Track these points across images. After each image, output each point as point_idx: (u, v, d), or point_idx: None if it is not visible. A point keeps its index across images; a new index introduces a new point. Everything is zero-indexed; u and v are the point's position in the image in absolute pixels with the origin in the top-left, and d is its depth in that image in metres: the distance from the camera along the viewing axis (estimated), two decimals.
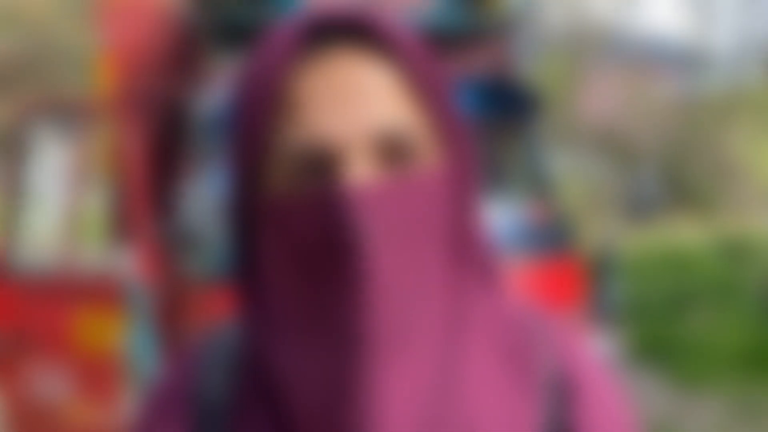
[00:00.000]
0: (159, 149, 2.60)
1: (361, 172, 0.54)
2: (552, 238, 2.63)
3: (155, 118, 2.62)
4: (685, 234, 8.14)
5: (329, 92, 0.54)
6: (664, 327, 5.51)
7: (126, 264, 2.45)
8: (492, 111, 2.61)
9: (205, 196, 2.41)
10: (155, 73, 2.65)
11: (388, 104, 0.54)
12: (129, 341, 2.43)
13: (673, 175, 9.30)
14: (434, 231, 0.55)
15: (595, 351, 0.60)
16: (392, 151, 0.55)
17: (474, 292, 0.57)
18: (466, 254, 0.57)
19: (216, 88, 2.50)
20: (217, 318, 2.37)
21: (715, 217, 9.13)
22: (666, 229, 8.22)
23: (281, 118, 0.55)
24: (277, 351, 0.55)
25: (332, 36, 0.55)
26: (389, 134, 0.54)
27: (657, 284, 6.48)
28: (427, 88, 0.56)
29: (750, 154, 10.23)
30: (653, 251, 7.45)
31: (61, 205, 2.99)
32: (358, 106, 0.54)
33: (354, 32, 0.55)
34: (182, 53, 2.68)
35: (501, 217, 2.44)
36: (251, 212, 0.56)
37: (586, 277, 2.70)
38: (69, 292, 2.79)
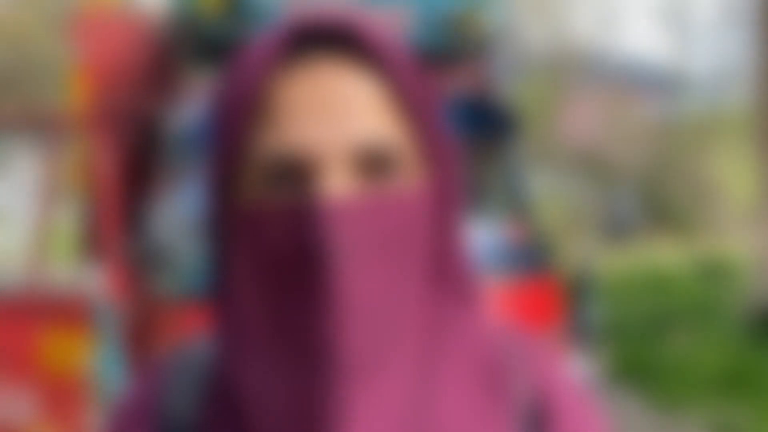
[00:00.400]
0: (131, 166, 2.56)
1: (337, 184, 0.52)
2: (530, 258, 2.62)
3: (129, 135, 2.59)
4: (663, 255, 8.21)
5: (309, 101, 0.52)
6: (643, 348, 5.52)
7: (95, 282, 2.40)
8: (471, 131, 2.60)
9: (176, 214, 2.37)
10: (130, 89, 2.62)
11: (370, 116, 0.52)
12: (96, 362, 2.37)
13: (652, 196, 9.40)
14: (413, 249, 0.53)
15: (574, 372, 0.58)
16: (372, 164, 0.53)
17: (452, 313, 0.55)
18: (446, 274, 0.55)
19: (190, 105, 2.47)
20: (187, 338, 2.33)
21: (693, 238, 9.23)
22: (644, 250, 8.29)
23: (259, 127, 0.53)
24: (245, 368, 0.54)
25: (316, 44, 0.53)
26: (369, 147, 0.52)
27: (635, 305, 6.51)
28: (412, 103, 0.54)
29: (728, 176, 10.37)
30: (632, 272, 7.49)
31: (30, 220, 2.93)
32: (339, 117, 0.52)
33: (339, 41, 0.53)
34: (157, 70, 2.66)
35: (480, 237, 2.43)
36: (225, 223, 0.54)
37: (564, 298, 2.69)
38: (36, 310, 2.73)
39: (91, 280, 2.43)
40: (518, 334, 0.58)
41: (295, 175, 0.52)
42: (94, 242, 2.64)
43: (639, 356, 5.35)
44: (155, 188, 2.52)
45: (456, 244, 0.55)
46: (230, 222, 0.54)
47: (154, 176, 2.54)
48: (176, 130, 2.46)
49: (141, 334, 2.36)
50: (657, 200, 9.43)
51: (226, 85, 0.54)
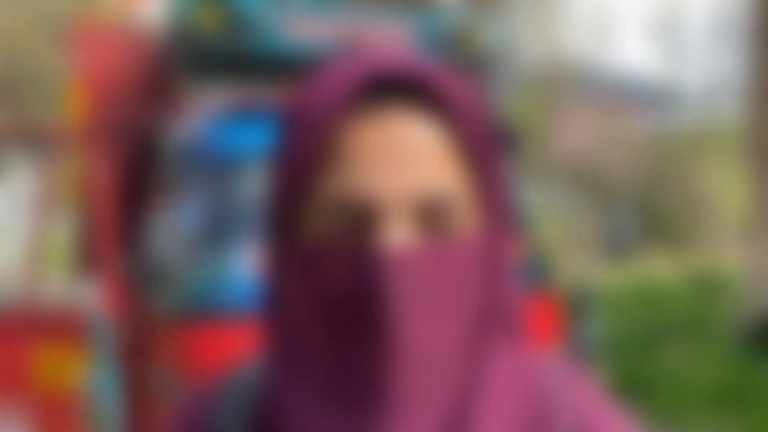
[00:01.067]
0: (129, 180, 2.55)
1: (398, 233, 0.53)
2: (529, 275, 2.61)
3: (126, 148, 2.57)
4: (656, 269, 8.22)
5: (377, 148, 0.53)
6: (637, 362, 5.52)
7: (90, 298, 2.37)
8: None
9: (175, 230, 2.35)
10: (128, 102, 2.61)
11: (434, 166, 0.54)
12: (91, 379, 2.34)
13: (645, 210, 9.43)
14: (465, 297, 0.54)
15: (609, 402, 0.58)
16: (432, 214, 0.54)
17: (497, 355, 0.56)
18: (494, 318, 0.56)
19: (190, 119, 2.46)
20: (186, 357, 2.29)
21: (686, 252, 9.25)
22: (638, 264, 8.30)
23: (326, 168, 0.54)
24: (294, 401, 0.55)
25: (386, 89, 0.54)
26: (431, 198, 0.54)
27: (629, 320, 6.51)
28: (476, 152, 0.55)
29: (720, 190, 10.42)
30: (625, 287, 7.50)
31: (25, 234, 2.90)
32: (404, 166, 0.53)
33: (408, 87, 0.54)
34: (155, 83, 2.65)
35: None
36: (284, 255, 0.55)
37: (562, 314, 2.68)
38: (30, 325, 2.69)
39: (86, 296, 2.41)
40: (560, 366, 0.59)
41: (358, 220, 0.54)
42: (89, 257, 2.61)
43: (633, 371, 5.34)
44: (153, 203, 2.51)
45: (506, 290, 0.56)
46: (290, 254, 0.55)
47: (151, 191, 2.52)
48: (175, 145, 2.44)
49: (137, 351, 2.33)
50: (650, 214, 9.46)
51: (294, 119, 0.55)
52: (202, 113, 2.43)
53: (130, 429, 2.30)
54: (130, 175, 2.55)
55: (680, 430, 4.43)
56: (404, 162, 0.53)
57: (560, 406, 0.57)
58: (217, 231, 2.22)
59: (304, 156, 0.54)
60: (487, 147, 0.55)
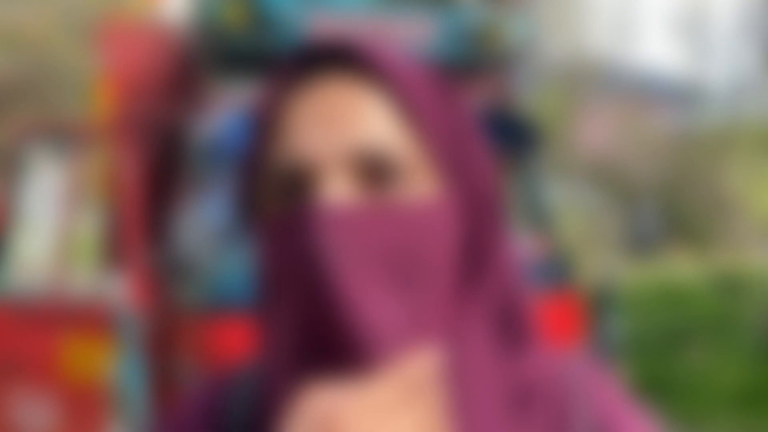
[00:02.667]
0: (155, 175, 2.57)
1: (336, 190, 0.51)
2: (552, 273, 2.60)
3: (152, 144, 2.60)
4: (681, 269, 8.12)
5: (313, 114, 0.53)
6: (661, 363, 5.46)
7: (117, 291, 2.41)
8: (492, 144, 2.59)
9: (200, 224, 2.38)
10: (153, 99, 2.63)
11: (372, 124, 0.52)
12: (117, 370, 2.37)
13: (670, 209, 9.32)
14: (428, 261, 0.52)
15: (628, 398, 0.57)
16: (374, 173, 0.52)
17: (474, 338, 0.53)
18: (482, 290, 0.53)
19: (215, 115, 2.48)
20: (211, 350, 2.31)
21: (710, 253, 9.13)
22: (662, 263, 8.20)
23: (273, 140, 0.54)
24: (273, 385, 0.53)
25: (328, 64, 0.54)
26: (371, 154, 0.52)
27: (653, 320, 6.44)
28: (424, 118, 0.53)
29: (746, 189, 10.26)
30: (649, 286, 7.42)
31: (53, 228, 2.95)
32: (339, 124, 0.52)
33: (349, 61, 0.54)
34: (181, 79, 2.67)
35: None
36: (255, 237, 0.55)
37: (585, 313, 2.66)
38: (58, 318, 2.74)
39: (113, 288, 2.44)
40: (581, 364, 0.57)
41: (298, 183, 0.52)
42: (116, 250, 2.64)
43: (656, 371, 5.29)
44: (178, 198, 2.53)
45: (497, 258, 0.54)
46: (257, 233, 0.54)
47: (177, 186, 2.54)
48: (201, 141, 2.47)
49: (163, 344, 2.36)
50: (674, 214, 9.35)
51: (254, 109, 0.56)
52: (226, 109, 2.45)
53: (154, 419, 2.33)
54: (156, 171, 2.58)
55: (702, 431, 4.38)
56: (339, 121, 0.52)
57: (580, 404, 0.55)
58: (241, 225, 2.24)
59: (256, 136, 0.54)
60: (438, 113, 0.53)
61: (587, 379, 0.56)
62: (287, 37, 2.45)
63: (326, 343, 0.50)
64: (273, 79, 0.54)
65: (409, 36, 2.51)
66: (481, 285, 0.53)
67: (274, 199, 0.53)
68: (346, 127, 0.52)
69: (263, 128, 0.54)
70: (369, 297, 0.50)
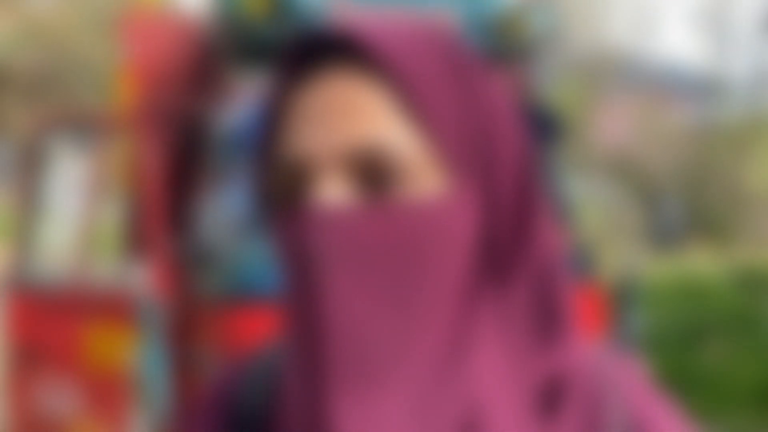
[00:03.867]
0: (177, 165, 2.58)
1: (331, 192, 0.49)
2: (573, 266, 2.58)
3: (174, 134, 2.61)
4: (702, 263, 8.04)
5: (314, 108, 0.50)
6: (681, 358, 5.42)
7: (139, 280, 2.43)
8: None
9: (222, 214, 2.39)
10: (175, 89, 2.64)
11: (373, 121, 0.50)
12: (140, 358, 2.39)
13: (691, 203, 9.23)
14: (437, 261, 0.49)
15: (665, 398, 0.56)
16: (374, 172, 0.49)
17: (507, 340, 0.51)
18: (506, 291, 0.51)
19: (236, 106, 2.49)
20: (231, 338, 2.32)
21: (732, 247, 9.03)
22: (683, 258, 8.13)
23: (278, 137, 0.52)
24: (284, 379, 0.53)
25: (334, 54, 0.51)
26: (370, 152, 0.49)
27: (674, 314, 6.39)
28: (432, 112, 0.50)
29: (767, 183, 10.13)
30: (670, 281, 7.35)
31: (76, 218, 2.98)
32: (338, 122, 0.50)
33: (354, 51, 0.51)
34: (202, 69, 2.67)
35: None
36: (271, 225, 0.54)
37: (605, 307, 2.64)
38: (81, 306, 2.76)
39: (135, 277, 2.46)
40: (612, 359, 0.55)
41: (298, 182, 0.51)
42: (138, 240, 2.66)
43: (676, 366, 5.25)
44: (199, 188, 2.54)
45: (530, 251, 0.51)
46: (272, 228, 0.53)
47: (199, 176, 2.56)
48: (222, 131, 2.47)
49: (184, 333, 2.37)
50: (694, 208, 9.26)
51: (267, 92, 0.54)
52: (247, 99, 2.45)
53: (176, 407, 2.35)
54: (177, 161, 2.59)
55: (722, 427, 4.34)
56: (338, 117, 0.49)
57: (614, 400, 0.53)
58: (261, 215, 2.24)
59: (265, 126, 0.53)
60: (449, 104, 0.50)
61: (620, 374, 0.55)
62: (308, 26, 2.44)
63: (309, 342, 0.49)
64: (278, 70, 0.53)
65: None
66: (509, 282, 0.51)
67: (280, 194, 0.52)
68: (345, 124, 0.50)
69: (270, 121, 0.52)
70: (355, 305, 0.48)
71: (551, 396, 0.52)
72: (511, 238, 0.52)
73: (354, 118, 0.50)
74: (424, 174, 0.50)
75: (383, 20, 0.53)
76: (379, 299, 0.49)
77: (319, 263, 0.48)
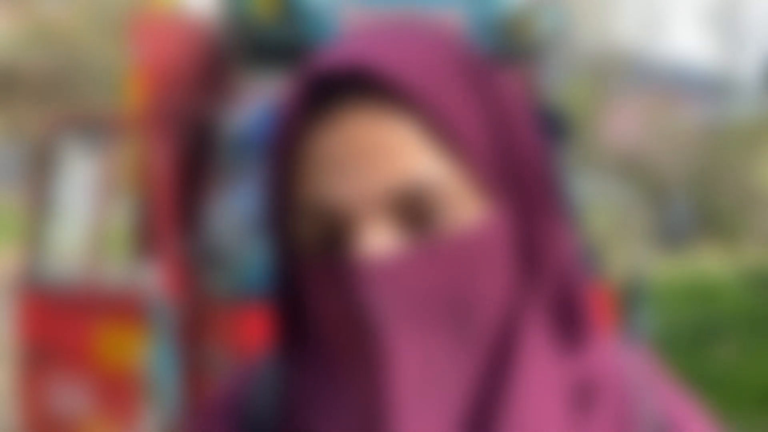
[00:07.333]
0: (187, 166, 2.60)
1: (376, 239, 0.48)
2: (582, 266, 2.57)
3: (184, 135, 2.62)
4: (711, 264, 8.00)
5: (338, 150, 0.48)
6: (690, 359, 5.40)
7: (150, 280, 2.44)
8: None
9: (232, 214, 2.40)
10: (185, 91, 2.66)
11: (406, 158, 0.48)
12: (150, 358, 2.41)
13: (700, 203, 9.18)
14: (479, 294, 0.49)
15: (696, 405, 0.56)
16: (415, 210, 0.48)
17: (542, 342, 0.51)
18: (535, 295, 0.51)
19: (246, 107, 2.50)
20: (241, 338, 2.33)
21: (742, 247, 8.97)
22: (692, 258, 8.09)
23: (298, 174, 0.50)
24: (310, 400, 0.52)
25: (345, 87, 0.49)
26: (409, 192, 0.48)
27: (683, 315, 6.36)
28: (461, 135, 0.48)
29: None
30: (679, 281, 7.32)
31: (87, 219, 3.00)
32: (371, 164, 0.48)
33: (370, 83, 0.48)
34: (212, 71, 2.69)
35: None
36: (284, 255, 0.52)
37: (614, 308, 2.63)
38: (92, 306, 2.78)
39: (145, 277, 2.48)
40: (639, 360, 0.55)
41: (335, 229, 0.49)
42: (148, 240, 2.68)
43: (685, 367, 5.23)
44: (209, 189, 2.56)
45: (553, 254, 0.51)
46: (288, 259, 0.52)
47: (209, 177, 2.57)
48: (232, 132, 2.48)
49: (195, 333, 2.39)
50: (704, 207, 9.21)
51: (274, 126, 0.52)
52: (256, 101, 2.46)
53: (186, 407, 2.36)
54: (187, 162, 2.60)
55: (732, 428, 4.32)
56: (368, 158, 0.47)
57: (644, 400, 0.53)
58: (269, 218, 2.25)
59: (276, 162, 0.50)
60: (471, 124, 0.48)
61: (647, 373, 0.55)
62: (318, 28, 2.45)
63: (365, 392, 0.48)
64: (289, 107, 0.50)
65: (439, 27, 2.49)
66: (537, 285, 0.51)
67: (311, 241, 0.50)
68: (379, 165, 0.47)
69: (282, 163, 0.50)
70: (417, 350, 0.48)
71: (584, 396, 0.52)
72: (538, 242, 0.51)
73: (387, 158, 0.48)
74: (461, 201, 0.49)
75: (388, 34, 0.50)
76: (437, 337, 0.48)
77: (377, 317, 0.48)
